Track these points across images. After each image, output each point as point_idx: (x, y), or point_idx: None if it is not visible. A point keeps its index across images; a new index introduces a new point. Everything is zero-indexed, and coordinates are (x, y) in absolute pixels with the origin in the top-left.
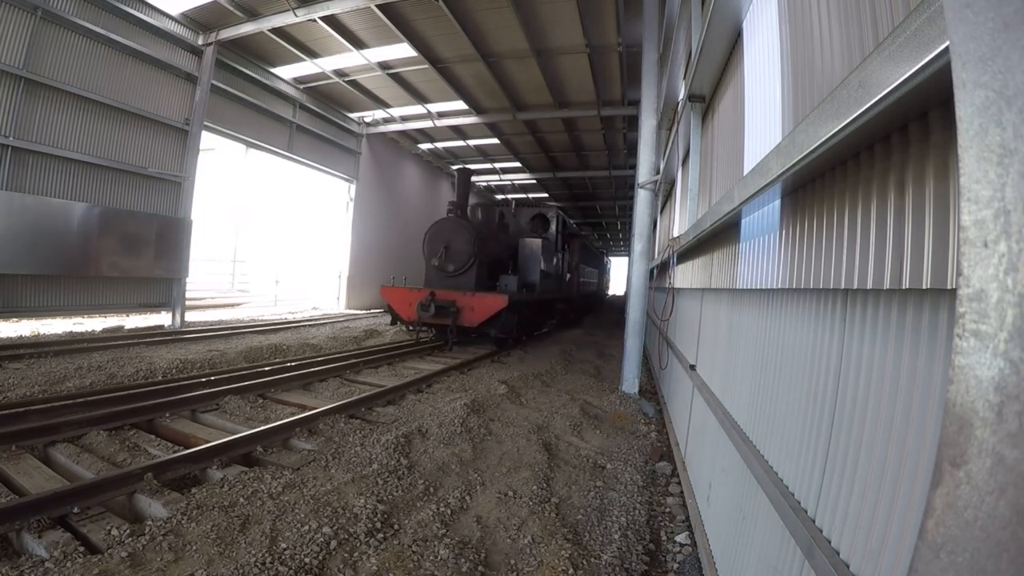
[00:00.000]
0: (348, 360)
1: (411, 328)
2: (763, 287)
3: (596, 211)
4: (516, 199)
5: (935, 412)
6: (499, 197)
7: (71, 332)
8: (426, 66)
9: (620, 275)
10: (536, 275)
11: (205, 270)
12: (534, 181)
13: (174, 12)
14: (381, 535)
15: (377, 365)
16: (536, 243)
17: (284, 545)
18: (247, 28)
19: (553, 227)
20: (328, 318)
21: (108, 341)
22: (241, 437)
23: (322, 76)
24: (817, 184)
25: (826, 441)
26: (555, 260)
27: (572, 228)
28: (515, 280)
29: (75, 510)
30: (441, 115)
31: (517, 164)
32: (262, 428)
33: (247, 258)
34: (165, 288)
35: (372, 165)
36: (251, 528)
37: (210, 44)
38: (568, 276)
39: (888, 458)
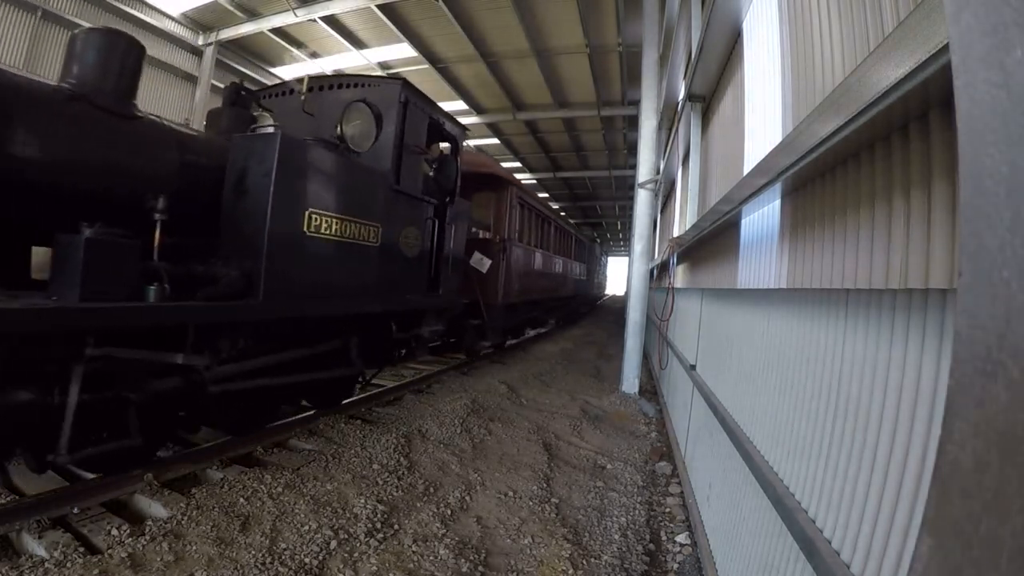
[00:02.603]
0: None
1: None
2: (763, 287)
3: (596, 211)
4: (312, 75)
5: (935, 411)
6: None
7: None
8: (426, 66)
9: (619, 275)
10: (258, 238)
11: None
12: (534, 181)
13: (174, 12)
14: (381, 535)
15: None
16: (266, 148)
17: (284, 545)
18: (247, 28)
19: (392, 128)
20: None
21: None
22: (241, 437)
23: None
24: (817, 184)
25: (826, 441)
26: (402, 211)
27: (491, 163)
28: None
29: (75, 510)
30: None
31: (517, 164)
32: (262, 428)
33: None
34: None
35: None
36: (251, 528)
37: (210, 44)
38: (463, 258)
39: (888, 458)
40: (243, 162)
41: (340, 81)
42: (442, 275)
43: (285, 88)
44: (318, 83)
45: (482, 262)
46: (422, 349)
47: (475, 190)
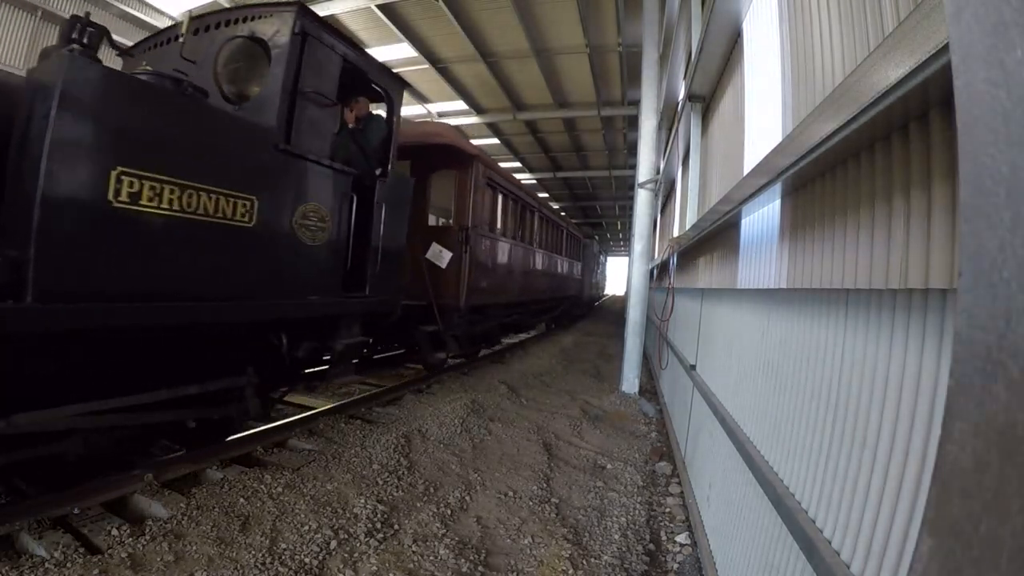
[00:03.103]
0: None
1: None
2: (763, 287)
3: (596, 211)
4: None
5: (935, 411)
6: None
7: None
8: (426, 66)
9: (619, 275)
10: (27, 210)
11: None
12: (534, 180)
13: (174, 12)
14: (381, 535)
15: None
16: (51, 79)
17: (284, 545)
18: None
19: (281, 69)
20: None
21: None
22: (241, 437)
23: None
24: (817, 184)
25: (827, 441)
26: (297, 181)
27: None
28: None
29: (75, 510)
30: (441, 115)
31: (517, 164)
32: (262, 428)
33: None
34: None
35: None
36: (251, 528)
37: None
38: (403, 249)
39: (888, 458)
40: (30, 105)
41: (229, 17)
42: (370, 270)
43: (172, 34)
44: (204, 23)
45: (441, 255)
46: (342, 367)
47: (432, 167)
